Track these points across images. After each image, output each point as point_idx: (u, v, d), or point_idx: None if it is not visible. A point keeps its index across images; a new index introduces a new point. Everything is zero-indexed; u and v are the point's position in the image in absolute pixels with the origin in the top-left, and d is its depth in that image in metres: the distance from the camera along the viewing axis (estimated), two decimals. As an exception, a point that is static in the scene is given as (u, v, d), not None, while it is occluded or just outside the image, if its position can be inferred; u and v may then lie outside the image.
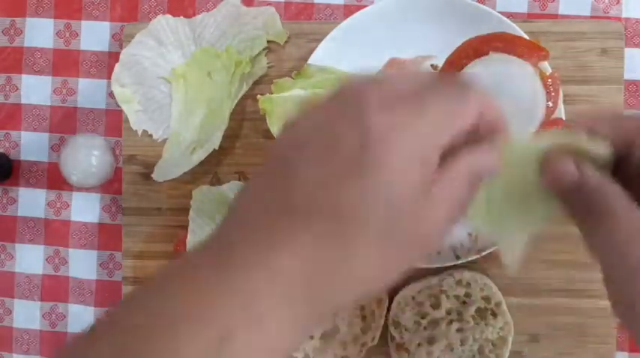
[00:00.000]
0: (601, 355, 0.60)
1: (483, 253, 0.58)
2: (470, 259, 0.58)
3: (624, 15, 0.62)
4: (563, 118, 0.57)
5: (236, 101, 0.63)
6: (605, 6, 0.62)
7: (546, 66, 0.56)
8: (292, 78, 0.60)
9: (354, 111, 0.30)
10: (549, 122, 0.55)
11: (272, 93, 0.58)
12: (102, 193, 0.67)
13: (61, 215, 0.67)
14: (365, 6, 0.60)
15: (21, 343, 0.68)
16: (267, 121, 0.54)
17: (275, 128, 0.55)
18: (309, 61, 0.60)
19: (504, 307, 0.58)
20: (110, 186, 0.67)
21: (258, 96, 0.55)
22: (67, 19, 0.67)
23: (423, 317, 0.59)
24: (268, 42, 0.63)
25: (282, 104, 0.55)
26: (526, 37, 0.57)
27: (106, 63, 0.67)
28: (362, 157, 0.28)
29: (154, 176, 0.63)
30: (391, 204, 0.29)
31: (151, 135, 0.64)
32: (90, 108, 0.67)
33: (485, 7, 0.58)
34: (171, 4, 0.66)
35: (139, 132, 0.64)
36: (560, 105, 0.56)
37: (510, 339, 0.58)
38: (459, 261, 0.59)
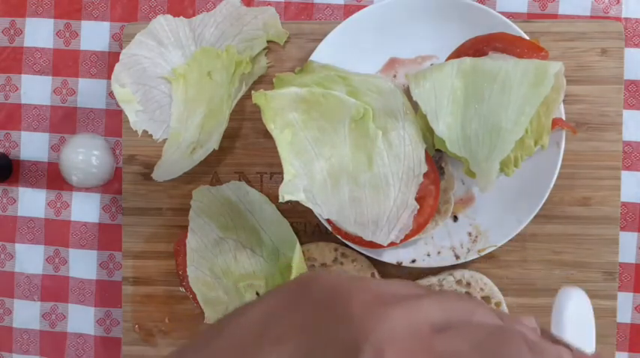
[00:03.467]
0: (601, 355, 0.60)
1: (483, 253, 0.58)
2: (470, 259, 0.59)
3: (624, 15, 0.62)
4: (563, 118, 0.57)
5: (236, 101, 0.63)
6: (605, 6, 0.62)
7: (561, 110, 0.56)
8: (295, 73, 0.60)
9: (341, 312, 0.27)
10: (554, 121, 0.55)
11: (273, 88, 0.58)
12: (102, 193, 0.67)
13: (61, 215, 0.67)
14: (365, 6, 0.60)
15: (21, 343, 0.68)
16: (262, 117, 0.54)
17: (270, 124, 0.55)
18: (311, 58, 0.60)
19: (504, 307, 0.59)
20: (110, 186, 0.67)
21: (252, 91, 0.55)
22: (67, 19, 0.67)
23: (423, 317, 0.59)
24: (268, 42, 0.63)
25: (276, 100, 0.55)
26: (526, 37, 0.57)
27: (106, 63, 0.67)
28: None
29: (153, 176, 0.63)
30: None
31: (150, 135, 0.64)
32: (90, 108, 0.67)
33: (485, 7, 0.58)
34: (171, 4, 0.66)
35: (139, 132, 0.64)
36: (561, 105, 0.56)
37: (510, 339, 0.58)
38: (459, 261, 0.59)
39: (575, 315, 0.48)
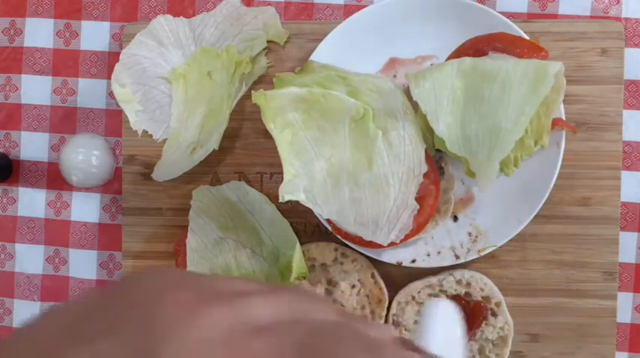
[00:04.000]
0: (601, 355, 0.60)
1: (483, 253, 0.58)
2: (470, 259, 0.59)
3: (624, 15, 0.62)
4: (563, 118, 0.57)
5: (236, 101, 0.63)
6: (605, 6, 0.62)
7: (561, 110, 0.56)
8: (295, 73, 0.60)
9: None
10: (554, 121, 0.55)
11: (273, 88, 0.58)
12: (102, 193, 0.67)
13: (61, 215, 0.67)
14: (365, 6, 0.60)
15: (21, 343, 0.68)
16: (262, 117, 0.54)
17: (270, 124, 0.55)
18: (311, 58, 0.60)
19: (504, 307, 0.59)
20: (110, 186, 0.67)
21: (252, 91, 0.55)
22: (67, 19, 0.67)
23: (423, 317, 0.59)
24: (268, 42, 0.63)
25: (276, 100, 0.55)
26: (526, 37, 0.57)
27: (106, 63, 0.67)
28: None
29: (153, 176, 0.63)
30: None
31: (150, 135, 0.64)
32: (90, 108, 0.67)
33: (485, 7, 0.58)
34: (171, 4, 0.66)
35: (139, 132, 0.64)
36: (561, 105, 0.56)
37: (510, 339, 0.58)
38: (459, 261, 0.59)
39: (442, 326, 0.48)
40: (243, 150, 0.64)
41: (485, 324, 0.58)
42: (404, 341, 0.31)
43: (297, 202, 0.55)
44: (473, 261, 0.59)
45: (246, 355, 0.24)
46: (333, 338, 0.25)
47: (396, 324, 0.59)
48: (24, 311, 0.68)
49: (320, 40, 0.60)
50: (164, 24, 0.64)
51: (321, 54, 0.59)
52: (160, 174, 0.62)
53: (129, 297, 0.26)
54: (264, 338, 0.24)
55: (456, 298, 0.58)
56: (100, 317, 0.25)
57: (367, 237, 0.56)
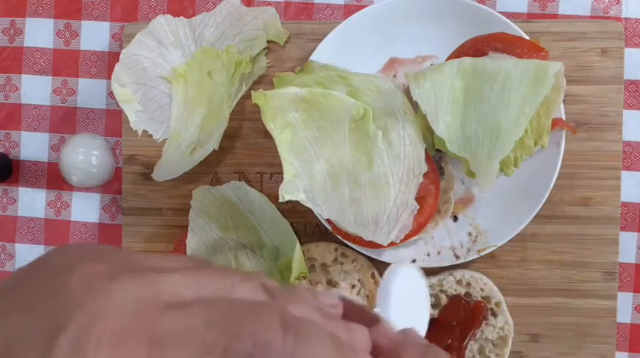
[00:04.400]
0: (601, 355, 0.60)
1: (483, 253, 0.58)
2: (470, 259, 0.58)
3: (624, 15, 0.62)
4: (563, 118, 0.57)
5: (236, 101, 0.63)
6: (605, 6, 0.62)
7: (561, 110, 0.56)
8: (295, 73, 0.60)
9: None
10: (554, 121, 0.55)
11: (273, 88, 0.58)
12: (102, 193, 0.67)
13: (61, 215, 0.67)
14: (365, 6, 0.60)
15: (21, 343, 0.68)
16: (262, 117, 0.54)
17: (270, 124, 0.55)
18: (311, 58, 0.60)
19: (504, 307, 0.59)
20: (110, 186, 0.67)
21: (252, 91, 0.55)
22: (67, 19, 0.67)
23: (423, 317, 0.59)
24: (268, 42, 0.63)
25: (276, 100, 0.55)
26: (526, 37, 0.57)
27: (106, 63, 0.67)
28: None
29: (153, 176, 0.63)
30: None
31: (150, 135, 0.64)
32: (90, 108, 0.67)
33: (485, 7, 0.58)
34: (171, 4, 0.66)
35: (139, 132, 0.64)
36: (561, 105, 0.56)
37: (510, 339, 0.58)
38: (459, 261, 0.59)
39: (403, 291, 0.46)
40: (243, 150, 0.64)
41: (486, 324, 0.58)
42: (351, 308, 0.30)
43: (297, 202, 0.55)
44: (473, 261, 0.59)
45: (154, 331, 0.23)
46: (250, 315, 0.24)
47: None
48: (24, 311, 0.68)
49: (320, 40, 0.60)
50: (164, 24, 0.64)
51: (321, 54, 0.60)
52: (159, 174, 0.62)
53: (44, 271, 0.25)
54: (176, 315, 0.23)
55: (456, 298, 0.58)
56: (15, 293, 0.25)
57: (367, 237, 0.56)
